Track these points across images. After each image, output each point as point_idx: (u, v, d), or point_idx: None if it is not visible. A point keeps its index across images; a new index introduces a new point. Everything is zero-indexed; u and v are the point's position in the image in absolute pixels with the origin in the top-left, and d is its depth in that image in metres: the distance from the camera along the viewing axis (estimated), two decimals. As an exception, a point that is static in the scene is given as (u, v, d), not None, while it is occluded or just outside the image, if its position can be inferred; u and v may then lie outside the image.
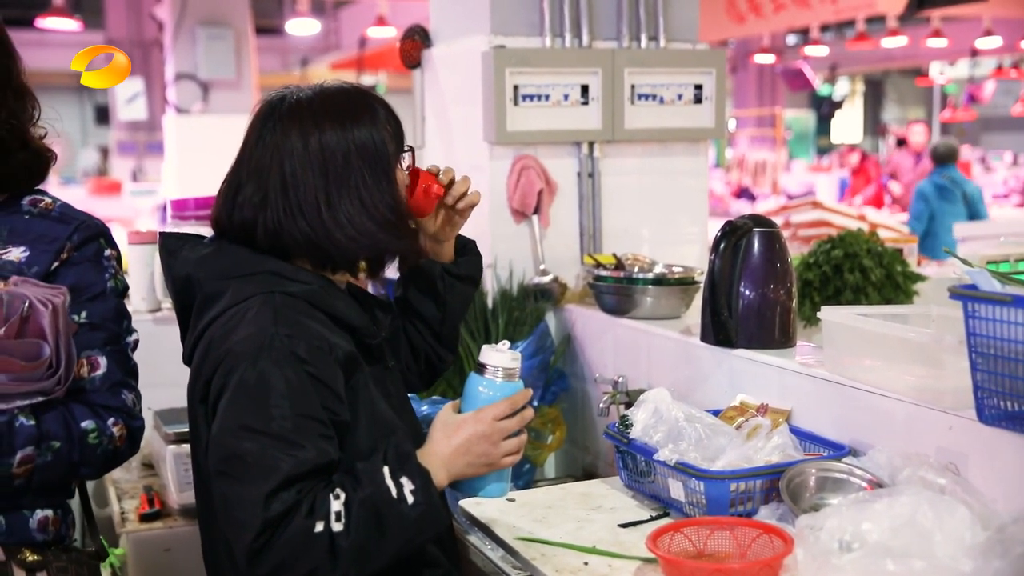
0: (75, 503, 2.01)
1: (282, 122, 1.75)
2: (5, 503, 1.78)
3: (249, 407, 1.58)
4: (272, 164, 1.74)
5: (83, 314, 1.82)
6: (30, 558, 1.79)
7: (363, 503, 1.57)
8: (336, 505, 1.55)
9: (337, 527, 1.54)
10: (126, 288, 1.94)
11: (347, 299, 1.81)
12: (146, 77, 11.71)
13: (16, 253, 1.81)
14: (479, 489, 1.79)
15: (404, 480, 1.61)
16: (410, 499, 1.61)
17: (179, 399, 2.89)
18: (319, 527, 1.53)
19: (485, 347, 1.81)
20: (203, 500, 1.80)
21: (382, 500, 1.59)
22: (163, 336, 3.08)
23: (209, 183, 2.64)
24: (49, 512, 1.86)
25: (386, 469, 1.62)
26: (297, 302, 1.70)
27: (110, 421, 1.80)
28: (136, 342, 1.93)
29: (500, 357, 1.78)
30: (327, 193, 1.73)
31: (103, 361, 1.83)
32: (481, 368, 1.79)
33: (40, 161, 1.90)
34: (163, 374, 2.96)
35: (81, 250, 1.84)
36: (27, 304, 1.68)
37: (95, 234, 1.87)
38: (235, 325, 1.67)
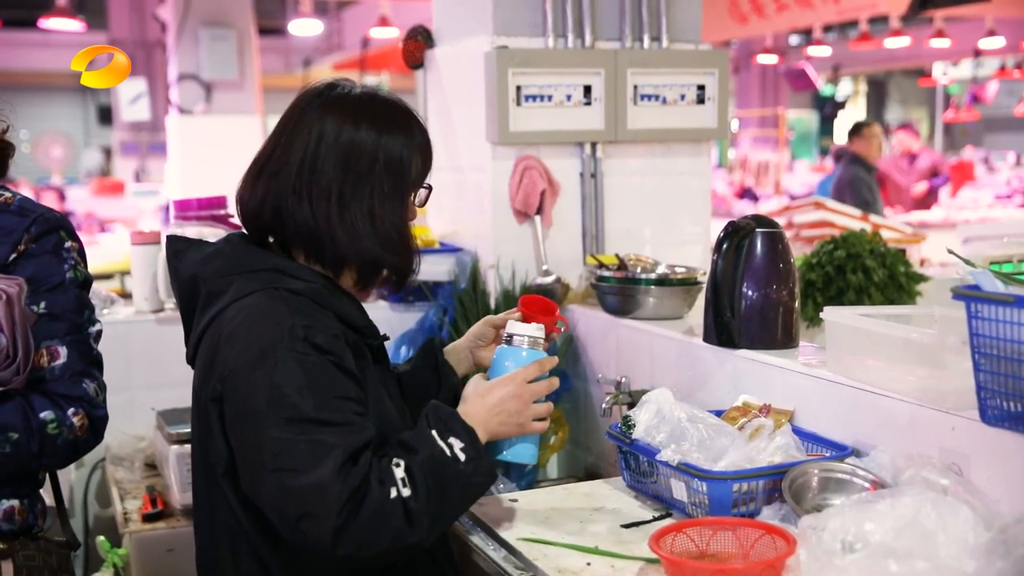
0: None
1: (325, 107, 1.77)
2: None
3: (284, 400, 1.58)
4: (299, 143, 1.75)
5: (42, 304, 1.83)
6: None
7: (422, 466, 1.61)
8: (399, 472, 1.59)
9: (406, 492, 1.58)
10: (88, 279, 1.95)
11: (350, 299, 1.82)
12: (149, 78, 11.72)
13: None
14: (510, 451, 1.87)
15: (453, 440, 1.66)
16: (462, 457, 1.65)
17: (182, 399, 2.88)
18: (393, 493, 1.57)
19: (510, 321, 1.94)
20: (204, 498, 1.80)
21: (439, 461, 1.64)
22: (166, 336, 3.10)
23: (212, 183, 2.64)
24: (15, 502, 1.87)
25: (433, 432, 1.67)
26: (303, 299, 1.70)
27: (70, 411, 1.81)
28: (99, 332, 1.94)
29: (525, 328, 1.90)
30: (341, 188, 1.73)
31: (63, 351, 1.84)
32: (509, 339, 1.91)
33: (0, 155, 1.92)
34: (166, 374, 2.97)
35: (40, 242, 1.86)
36: None
37: (54, 226, 1.89)
38: (245, 321, 1.66)
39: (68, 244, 1.90)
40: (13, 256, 1.83)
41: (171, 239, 1.87)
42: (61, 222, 1.91)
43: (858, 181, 7.76)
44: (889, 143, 12.08)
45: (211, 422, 1.69)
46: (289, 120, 1.80)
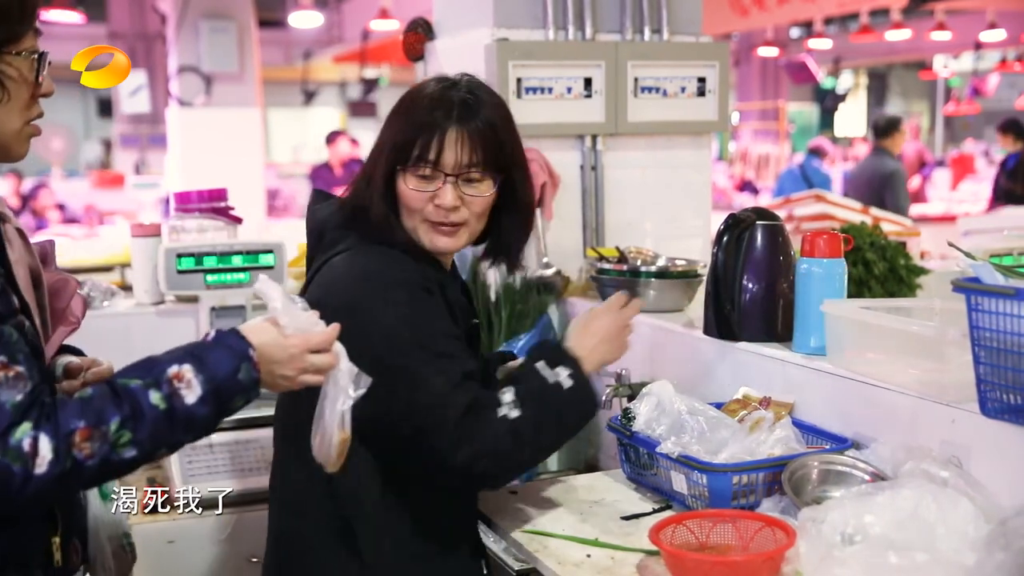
0: None
1: None
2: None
3: (406, 332, 1.73)
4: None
5: None
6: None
7: (530, 393, 1.78)
8: (508, 396, 1.76)
9: (514, 414, 1.74)
10: None
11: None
12: (149, 70, 11.68)
13: None
14: None
15: (559, 369, 1.82)
16: (567, 383, 1.80)
17: (182, 391, 2.84)
18: (501, 412, 1.73)
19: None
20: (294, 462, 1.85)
21: (545, 388, 1.80)
22: (167, 328, 3.09)
23: (212, 175, 2.64)
24: None
25: (538, 364, 1.82)
26: (408, 256, 1.85)
27: None
28: None
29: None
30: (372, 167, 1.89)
31: None
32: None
33: None
34: (166, 366, 2.97)
35: None
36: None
37: None
38: (364, 264, 1.81)
39: None
40: None
41: (316, 192, 2.04)
42: None
43: (899, 175, 7.32)
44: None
45: None
46: None
